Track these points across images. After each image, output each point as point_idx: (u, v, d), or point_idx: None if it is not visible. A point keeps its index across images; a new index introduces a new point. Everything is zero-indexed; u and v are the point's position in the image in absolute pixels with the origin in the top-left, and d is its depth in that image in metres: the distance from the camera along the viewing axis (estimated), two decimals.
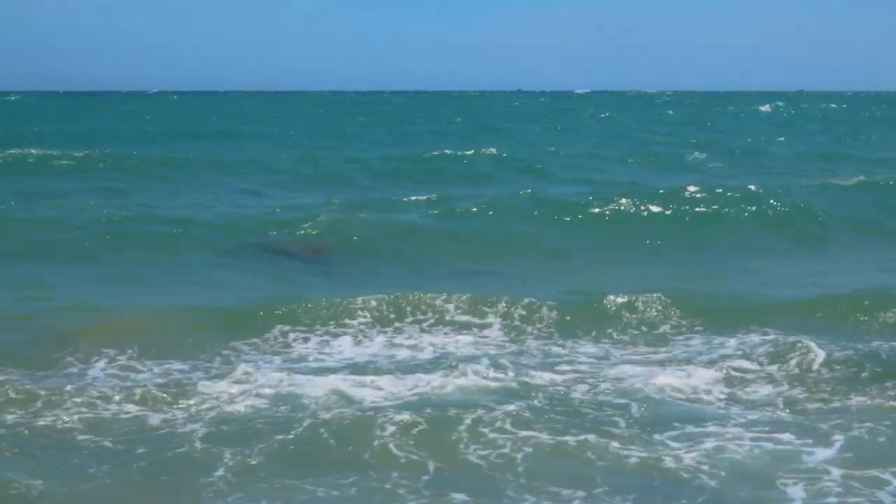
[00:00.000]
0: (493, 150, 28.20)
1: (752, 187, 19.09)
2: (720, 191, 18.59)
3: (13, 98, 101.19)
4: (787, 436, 6.98)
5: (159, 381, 8.16)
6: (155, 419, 7.28)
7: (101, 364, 8.86)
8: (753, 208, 17.70)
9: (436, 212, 17.36)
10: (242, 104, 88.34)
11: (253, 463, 6.45)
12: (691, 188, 18.57)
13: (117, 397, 7.65)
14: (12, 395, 7.63)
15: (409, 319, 10.43)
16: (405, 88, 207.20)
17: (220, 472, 6.31)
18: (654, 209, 17.36)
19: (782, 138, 38.99)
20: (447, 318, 10.46)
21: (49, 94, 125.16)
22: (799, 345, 9.07)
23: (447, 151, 28.51)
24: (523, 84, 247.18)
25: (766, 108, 64.33)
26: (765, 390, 8.24)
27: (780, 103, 74.17)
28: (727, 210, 17.60)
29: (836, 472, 6.37)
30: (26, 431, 7.00)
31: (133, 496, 6.06)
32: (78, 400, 7.58)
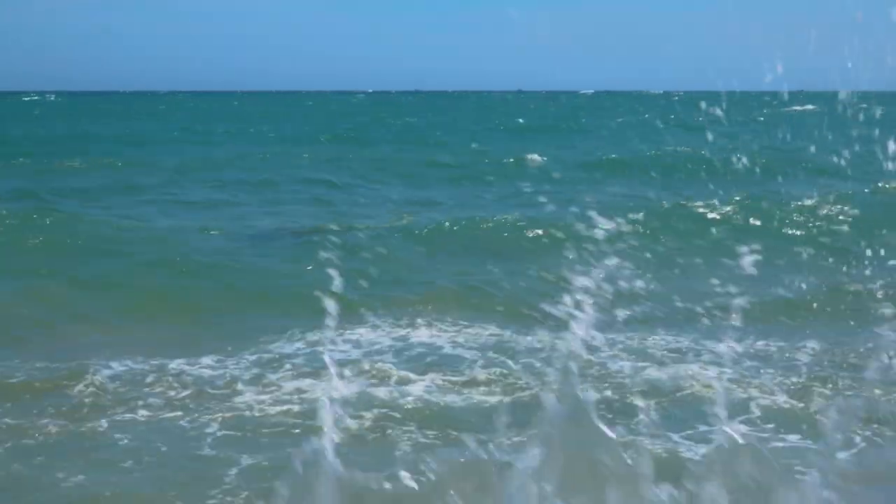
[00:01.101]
0: (537, 157, 28.21)
1: None
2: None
3: (41, 98, 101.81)
4: (796, 434, 7.09)
5: (184, 379, 8.48)
6: (180, 419, 7.49)
7: (124, 360, 9.04)
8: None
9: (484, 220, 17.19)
10: (261, 104, 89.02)
11: (273, 465, 6.47)
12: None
13: (141, 397, 7.97)
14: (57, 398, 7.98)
15: (441, 321, 10.55)
16: (405, 88, 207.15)
17: (234, 471, 6.42)
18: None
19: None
20: (464, 320, 10.55)
21: (71, 95, 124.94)
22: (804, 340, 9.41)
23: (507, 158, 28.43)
24: (523, 84, 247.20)
25: (810, 107, 63.34)
26: (775, 387, 8.25)
27: (811, 106, 73.10)
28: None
29: (847, 470, 6.31)
30: (69, 432, 7.24)
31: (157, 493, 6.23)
32: (104, 398, 7.93)
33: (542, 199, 19.54)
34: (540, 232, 15.56)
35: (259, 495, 6.09)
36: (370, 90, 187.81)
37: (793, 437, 7.14)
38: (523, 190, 20.86)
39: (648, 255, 13.16)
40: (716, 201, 17.59)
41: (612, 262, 13.30)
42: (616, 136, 39.79)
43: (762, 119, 53.70)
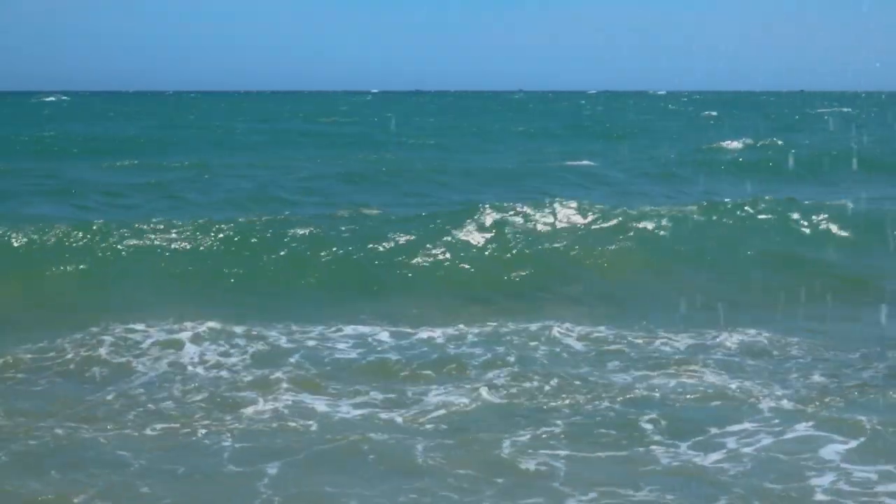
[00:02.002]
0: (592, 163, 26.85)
1: None
2: None
3: (60, 98, 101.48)
4: (806, 425, 7.15)
5: (200, 394, 8.26)
6: (194, 435, 7.30)
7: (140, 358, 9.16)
8: None
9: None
10: (275, 103, 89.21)
11: (293, 475, 6.43)
12: None
13: (148, 413, 7.78)
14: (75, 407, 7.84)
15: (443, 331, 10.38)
16: (405, 88, 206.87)
17: (265, 481, 6.36)
18: None
19: None
20: (473, 327, 10.52)
21: (77, 95, 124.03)
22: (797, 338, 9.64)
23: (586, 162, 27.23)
24: (524, 84, 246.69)
25: (846, 109, 62.44)
26: (778, 384, 8.29)
27: (845, 109, 71.96)
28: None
29: (858, 467, 6.36)
30: (77, 440, 7.09)
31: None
32: (118, 412, 7.74)
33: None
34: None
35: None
36: (374, 90, 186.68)
37: None
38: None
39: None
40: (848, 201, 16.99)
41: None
42: (668, 134, 39.00)
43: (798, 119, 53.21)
